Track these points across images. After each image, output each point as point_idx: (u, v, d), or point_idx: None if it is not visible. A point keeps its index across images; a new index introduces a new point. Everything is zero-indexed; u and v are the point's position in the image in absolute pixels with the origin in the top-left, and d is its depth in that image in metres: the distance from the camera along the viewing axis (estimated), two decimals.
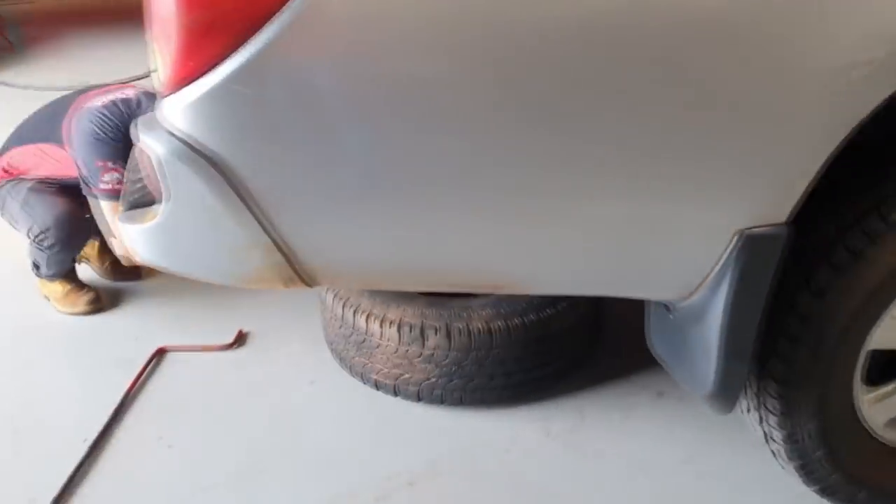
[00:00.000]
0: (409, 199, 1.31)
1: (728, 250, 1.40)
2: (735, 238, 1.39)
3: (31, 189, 2.52)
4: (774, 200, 1.38)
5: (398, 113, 1.23)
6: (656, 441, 2.04)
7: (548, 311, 2.10)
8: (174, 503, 1.91)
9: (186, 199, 1.29)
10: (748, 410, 1.72)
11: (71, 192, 2.51)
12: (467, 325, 2.05)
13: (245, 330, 2.52)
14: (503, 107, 1.26)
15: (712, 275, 1.45)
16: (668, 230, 1.40)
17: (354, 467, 1.99)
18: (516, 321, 2.06)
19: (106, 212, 2.40)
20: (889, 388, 1.67)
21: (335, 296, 2.20)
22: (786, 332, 1.54)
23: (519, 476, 1.96)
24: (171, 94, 1.26)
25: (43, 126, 2.57)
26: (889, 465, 1.72)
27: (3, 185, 2.57)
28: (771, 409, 1.63)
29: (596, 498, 1.89)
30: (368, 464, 2.00)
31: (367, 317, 2.12)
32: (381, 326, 2.10)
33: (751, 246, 1.39)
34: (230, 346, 2.45)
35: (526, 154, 1.31)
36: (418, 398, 2.14)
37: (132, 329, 2.57)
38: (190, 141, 1.25)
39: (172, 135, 1.26)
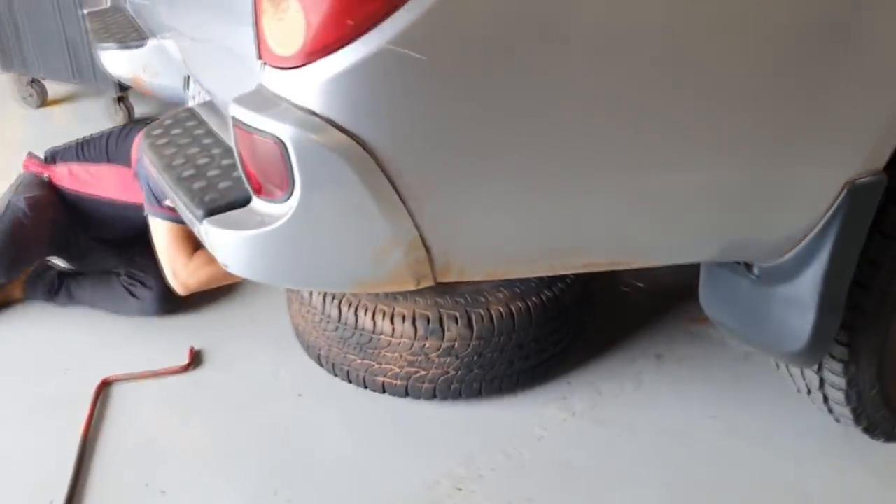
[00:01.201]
0: (566, 182, 1.17)
1: (835, 203, 1.41)
2: (844, 190, 1.39)
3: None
4: (876, 148, 1.40)
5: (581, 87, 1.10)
6: (675, 405, 2.03)
7: (559, 285, 2.02)
8: None
9: (325, 190, 1.06)
10: None
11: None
12: (487, 309, 1.92)
13: (196, 347, 2.20)
14: (659, 81, 1.17)
15: (815, 230, 1.44)
16: (782, 190, 1.38)
17: (390, 478, 1.80)
18: (534, 300, 1.96)
19: (162, 233, 2.15)
20: None
21: (325, 294, 1.98)
22: (857, 278, 1.58)
23: (560, 460, 1.87)
24: (305, 64, 1.02)
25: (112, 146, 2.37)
26: None
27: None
28: (836, 355, 1.67)
29: (643, 471, 1.85)
30: (404, 473, 1.82)
31: (374, 314, 1.92)
32: (391, 322, 1.91)
33: (856, 196, 1.40)
34: (186, 368, 2.13)
35: (658, 127, 1.22)
36: (434, 395, 1.98)
37: (59, 360, 2.16)
38: (335, 118, 1.02)
39: (312, 112, 1.02)
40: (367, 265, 1.12)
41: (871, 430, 1.82)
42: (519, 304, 1.95)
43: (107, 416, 1.97)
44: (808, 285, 1.49)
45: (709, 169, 1.30)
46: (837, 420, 1.84)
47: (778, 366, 1.85)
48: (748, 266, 1.58)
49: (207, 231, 1.16)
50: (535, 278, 2.01)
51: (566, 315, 2.05)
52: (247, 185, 1.15)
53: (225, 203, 1.16)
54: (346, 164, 1.03)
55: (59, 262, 2.41)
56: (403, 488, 1.78)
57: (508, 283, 2.00)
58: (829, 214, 1.42)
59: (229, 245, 1.13)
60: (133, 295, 2.26)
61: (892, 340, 1.69)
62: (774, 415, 2.00)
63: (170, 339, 2.22)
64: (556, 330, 2.03)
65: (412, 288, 1.17)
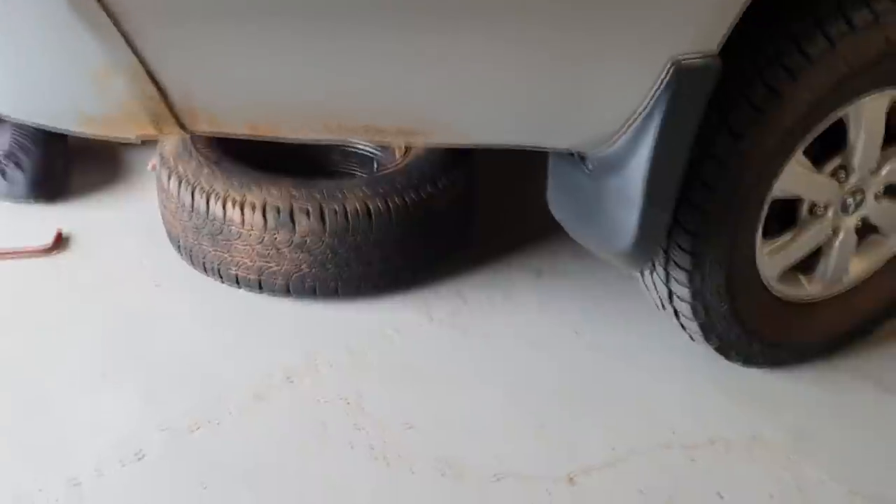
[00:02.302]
0: (305, 23, 1.07)
1: (659, 84, 1.30)
2: (668, 68, 1.29)
3: None
4: (708, 25, 1.29)
5: None
6: (541, 317, 1.96)
7: (428, 188, 1.93)
8: (1, 429, 1.58)
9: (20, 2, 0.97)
10: (651, 270, 1.67)
11: None
12: (343, 205, 1.84)
13: (65, 232, 2.15)
14: None
15: (639, 116, 1.34)
16: (596, 64, 1.27)
17: (223, 368, 1.75)
18: (396, 201, 1.88)
19: None
20: (784, 239, 1.67)
21: (181, 181, 1.91)
22: (701, 177, 1.49)
23: (405, 362, 1.81)
24: None
25: None
26: (779, 316, 1.74)
27: None
28: (680, 263, 1.58)
29: (489, 374, 1.78)
30: (239, 363, 1.76)
31: (224, 202, 1.85)
32: (241, 212, 1.84)
33: (684, 78, 1.30)
34: (49, 250, 2.07)
35: None
36: (287, 291, 1.91)
37: None
38: None
39: None
40: (89, 95, 1.03)
41: (726, 350, 1.73)
42: (378, 203, 1.86)
43: None
44: (633, 177, 1.39)
45: (503, 32, 1.20)
46: (692, 338, 1.75)
47: (640, 278, 1.77)
48: (582, 158, 1.49)
49: None
50: (402, 178, 1.92)
51: (435, 220, 1.96)
52: None
53: None
54: None
55: None
56: (234, 377, 1.72)
57: (371, 182, 1.92)
58: (653, 98, 1.31)
59: None
60: (3, 175, 2.19)
61: (741, 252, 1.59)
62: (643, 334, 1.92)
63: (40, 223, 2.16)
64: (422, 235, 1.95)
65: (154, 132, 1.09)
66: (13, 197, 2.22)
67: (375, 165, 2.26)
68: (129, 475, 1.49)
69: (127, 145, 2.56)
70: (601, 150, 1.41)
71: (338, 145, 2.30)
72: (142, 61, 1.01)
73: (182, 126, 1.11)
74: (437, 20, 1.15)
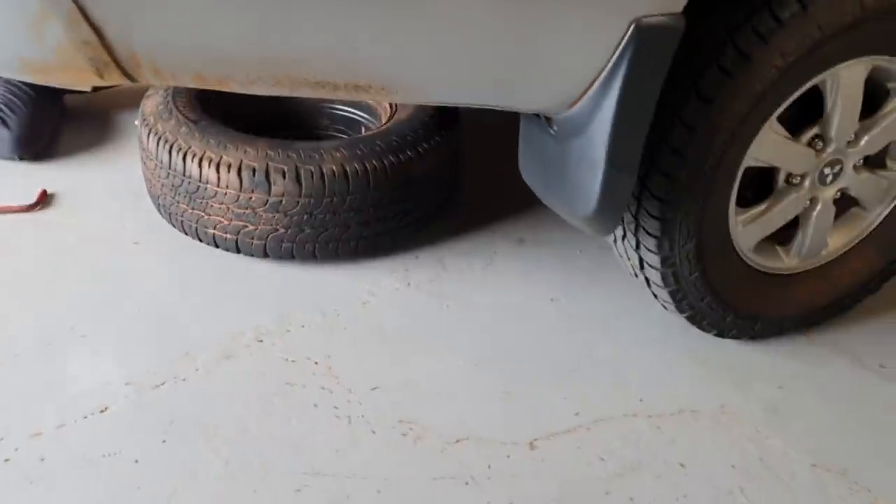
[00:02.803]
0: None
1: (620, 44, 1.28)
2: (630, 28, 1.26)
3: None
4: None
5: None
6: (520, 285, 1.95)
7: (408, 153, 1.92)
8: None
9: None
10: (622, 237, 1.65)
11: None
12: (319, 167, 1.83)
13: (49, 191, 2.16)
14: None
15: (601, 76, 1.32)
16: (557, 22, 1.25)
17: (194, 326, 1.75)
18: (374, 163, 1.87)
19: None
20: (759, 209, 1.64)
21: (159, 139, 1.90)
22: (670, 143, 1.46)
23: (378, 325, 1.80)
24: None
25: None
26: (754, 288, 1.72)
27: None
28: (649, 230, 1.56)
29: (462, 340, 1.78)
30: (210, 322, 1.77)
31: (200, 161, 1.84)
32: (217, 171, 1.83)
33: (646, 38, 1.27)
34: (32, 208, 2.09)
35: None
36: (264, 253, 1.91)
37: None
38: None
39: None
40: (26, 40, 1.03)
41: (698, 321, 1.71)
42: (356, 165, 1.85)
43: None
44: (596, 140, 1.37)
45: None
46: (665, 307, 1.74)
47: (611, 247, 1.75)
48: (548, 121, 1.46)
49: None
50: (381, 142, 1.91)
51: (416, 185, 1.95)
52: None
53: None
54: None
55: None
56: (203, 337, 1.73)
57: (349, 144, 1.90)
58: (614, 57, 1.29)
59: None
60: None
61: (713, 220, 1.57)
62: (620, 304, 1.90)
63: (25, 182, 2.17)
64: (401, 199, 1.94)
65: (96, 78, 1.08)
66: None
67: (363, 129, 2.25)
68: (91, 427, 1.51)
69: (119, 107, 2.57)
70: (564, 112, 1.39)
71: (324, 107, 2.30)
72: (77, 4, 1.01)
73: (126, 74, 1.10)
74: None
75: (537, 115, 1.48)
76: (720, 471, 1.51)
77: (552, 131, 1.46)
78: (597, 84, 1.33)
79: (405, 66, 1.23)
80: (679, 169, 1.47)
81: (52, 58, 1.05)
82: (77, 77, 1.07)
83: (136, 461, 1.45)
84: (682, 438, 1.57)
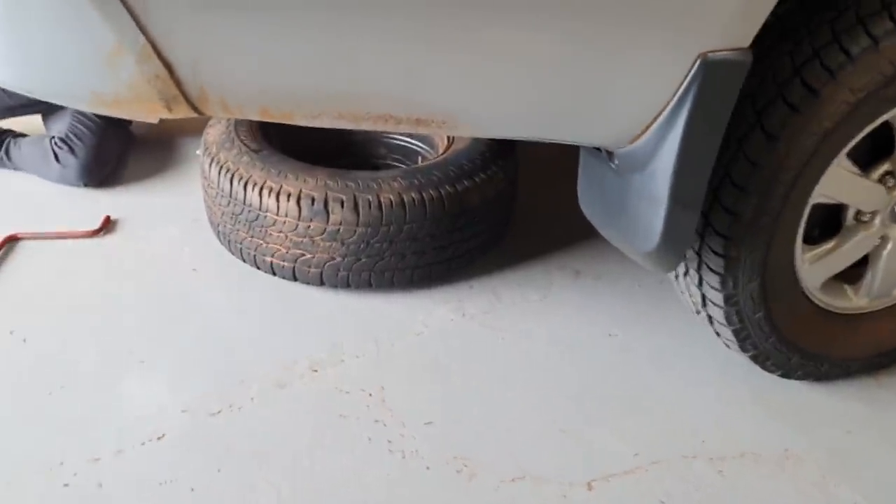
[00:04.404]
0: (318, 8, 1.07)
1: (687, 79, 1.25)
2: (696, 64, 1.24)
3: None
4: (739, 19, 1.23)
5: None
6: (577, 318, 1.92)
7: (465, 183, 1.91)
8: (30, 403, 1.63)
9: None
10: (685, 273, 1.61)
11: None
12: (377, 196, 1.83)
13: (113, 217, 2.21)
14: None
15: (666, 110, 1.29)
16: (622, 58, 1.23)
17: (249, 354, 1.77)
18: (431, 193, 1.87)
19: None
20: (827, 246, 1.60)
21: (221, 168, 1.93)
22: (734, 180, 1.43)
23: (432, 357, 1.79)
24: None
25: None
26: (821, 328, 1.66)
27: None
28: (712, 267, 1.52)
29: (517, 374, 1.75)
30: (265, 350, 1.78)
31: (261, 190, 1.86)
32: (277, 200, 1.85)
33: (712, 74, 1.24)
34: (96, 233, 2.13)
35: None
36: (321, 281, 1.92)
37: None
38: None
39: None
40: (100, 74, 1.05)
41: (762, 360, 1.66)
42: (413, 195, 1.85)
43: (3, 267, 2.00)
44: (659, 175, 1.34)
45: (527, 25, 1.17)
46: (727, 346, 1.69)
47: (673, 283, 1.71)
48: (609, 155, 1.44)
49: None
50: (438, 172, 1.91)
51: (472, 215, 1.94)
52: None
53: None
54: None
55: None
56: (258, 365, 1.73)
57: (407, 174, 1.91)
58: (679, 92, 1.26)
59: None
60: (57, 159, 2.27)
61: (778, 258, 1.52)
62: (679, 340, 1.86)
63: (90, 208, 2.23)
64: (457, 229, 1.93)
65: (164, 111, 1.10)
66: (64, 180, 2.29)
67: (419, 159, 2.26)
68: (148, 454, 1.52)
69: (183, 134, 2.62)
70: (627, 147, 1.37)
71: (382, 137, 2.31)
72: (150, 40, 1.03)
73: (194, 108, 1.12)
74: (460, 9, 1.14)
75: (598, 149, 1.46)
76: None
77: (613, 165, 1.44)
78: (661, 119, 1.30)
79: (468, 101, 1.23)
80: (743, 206, 1.44)
81: (123, 91, 1.06)
82: (146, 110, 1.09)
83: (192, 489, 1.45)
84: (744, 483, 1.52)
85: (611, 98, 1.28)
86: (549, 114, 1.30)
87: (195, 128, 2.60)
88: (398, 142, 2.32)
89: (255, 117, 1.18)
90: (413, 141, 2.30)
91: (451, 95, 1.23)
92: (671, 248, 1.41)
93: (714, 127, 1.31)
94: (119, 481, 1.46)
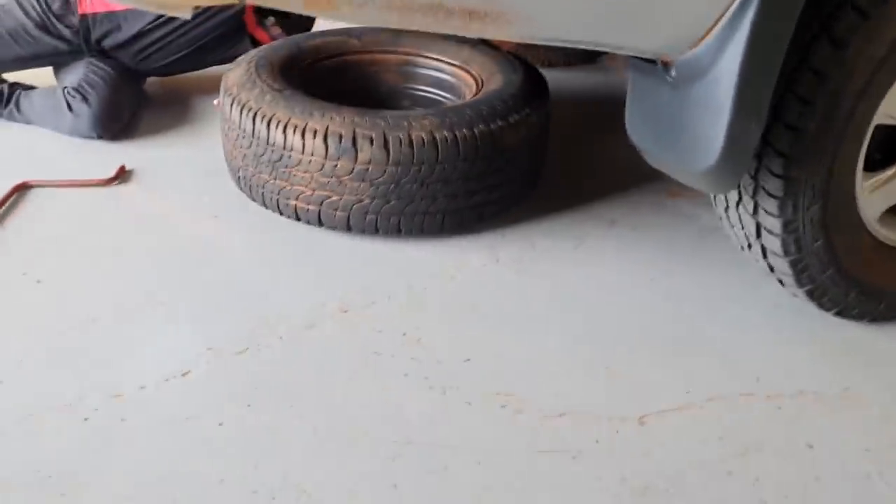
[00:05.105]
0: None
1: None
2: None
3: None
4: None
5: None
6: (615, 265, 1.83)
7: (498, 122, 1.83)
8: (45, 342, 1.54)
9: None
10: (737, 202, 1.53)
11: None
12: (408, 134, 1.75)
13: (128, 167, 2.12)
14: None
15: (729, 12, 1.22)
16: None
17: (274, 297, 1.67)
18: (465, 132, 1.78)
19: None
20: (888, 173, 1.52)
21: (243, 108, 1.85)
22: (797, 92, 1.35)
23: (468, 301, 1.70)
24: None
25: None
26: (881, 264, 1.58)
27: None
28: (771, 191, 1.44)
29: (556, 317, 1.67)
30: (291, 294, 1.69)
31: (285, 128, 1.78)
32: (302, 138, 1.76)
33: None
34: (110, 182, 2.04)
35: None
36: (347, 226, 1.83)
37: None
38: None
39: None
40: None
41: (818, 296, 1.57)
42: (445, 133, 1.77)
43: (15, 213, 1.90)
44: (722, 82, 1.27)
45: None
46: (781, 282, 1.60)
47: (721, 218, 1.63)
48: (666, 67, 1.36)
49: None
50: (470, 111, 1.83)
51: (505, 157, 1.86)
52: None
53: None
54: None
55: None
56: (284, 307, 1.64)
57: (439, 113, 1.83)
58: None
59: None
60: (70, 108, 2.18)
61: (839, 182, 1.44)
62: (724, 286, 1.78)
63: (104, 159, 2.13)
64: (491, 172, 1.85)
65: None
66: (77, 131, 2.20)
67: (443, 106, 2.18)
68: (172, 390, 1.43)
69: (195, 93, 2.54)
70: (687, 53, 1.29)
71: (405, 88, 2.23)
72: None
73: None
74: None
75: (652, 62, 1.38)
76: (852, 454, 1.37)
77: (670, 77, 1.36)
78: (725, 19, 1.23)
79: (536, 6, 1.15)
80: (807, 121, 1.36)
81: None
82: None
83: (221, 424, 1.36)
84: (805, 420, 1.43)
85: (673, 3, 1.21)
86: (607, 14, 1.23)
87: (207, 85, 2.52)
88: (421, 92, 2.23)
89: (299, 6, 1.10)
90: (437, 91, 2.21)
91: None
92: (732, 164, 1.33)
93: (780, 29, 1.24)
94: (142, 416, 1.37)
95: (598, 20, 1.23)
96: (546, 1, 1.18)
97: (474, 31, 1.19)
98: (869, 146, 1.46)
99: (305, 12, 1.11)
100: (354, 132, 1.75)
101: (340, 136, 1.75)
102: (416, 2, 1.12)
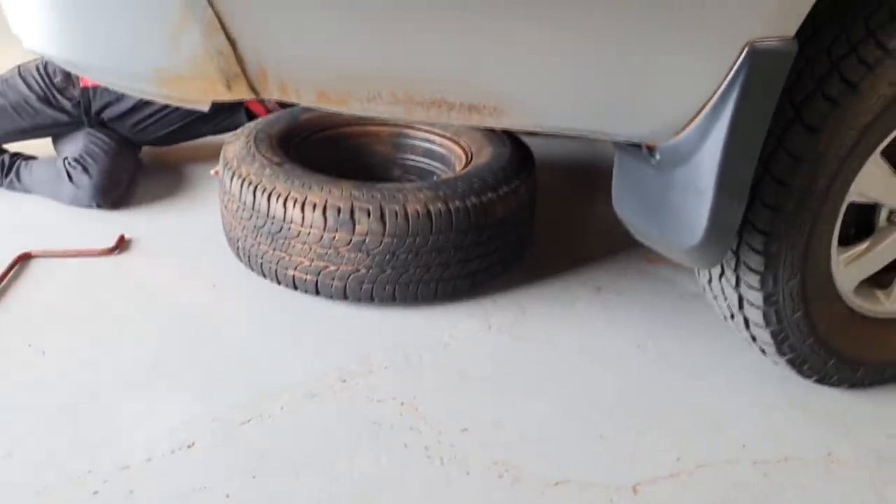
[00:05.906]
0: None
1: (734, 68, 1.27)
2: (743, 52, 1.25)
3: None
4: (786, 7, 1.26)
5: None
6: (604, 330, 1.90)
7: (489, 195, 1.91)
8: (53, 414, 1.57)
9: None
10: (720, 275, 1.60)
11: None
12: (404, 206, 1.82)
13: (127, 237, 2.17)
14: None
15: (711, 102, 1.31)
16: (668, 47, 1.25)
17: (275, 367, 1.72)
18: (457, 204, 1.86)
19: None
20: (861, 247, 1.60)
21: (243, 181, 1.91)
22: (775, 174, 1.43)
23: (462, 368, 1.76)
24: None
25: None
26: (857, 333, 1.66)
27: None
28: (751, 266, 1.51)
29: (549, 383, 1.72)
30: (291, 363, 1.73)
31: (285, 201, 1.84)
32: (301, 211, 1.83)
33: (759, 62, 1.26)
34: (111, 251, 2.09)
35: None
36: (344, 295, 1.89)
37: None
38: None
39: None
40: (163, 49, 1.04)
41: (798, 364, 1.64)
42: (439, 205, 1.84)
43: (17, 284, 1.95)
44: (705, 166, 1.35)
45: (577, 15, 1.18)
46: (763, 351, 1.67)
47: (704, 289, 1.71)
48: (650, 150, 1.45)
49: None
50: (462, 184, 1.91)
51: (495, 227, 1.93)
52: None
53: None
54: None
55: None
56: (285, 377, 1.69)
57: (433, 185, 1.90)
58: (726, 82, 1.28)
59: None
60: (71, 179, 2.24)
61: (816, 257, 1.52)
62: (708, 352, 1.84)
63: (103, 228, 2.18)
64: (482, 241, 1.92)
65: (223, 91, 1.08)
66: (78, 201, 2.25)
67: (436, 179, 2.25)
68: (179, 462, 1.46)
69: (189, 162, 2.60)
70: (671, 139, 1.37)
71: (397, 158, 2.31)
72: (217, 13, 1.02)
73: (252, 88, 1.11)
74: (518, 17, 1.16)
75: (637, 147, 1.47)
76: None
77: (654, 161, 1.44)
78: (706, 109, 1.31)
79: (522, 91, 1.23)
80: (784, 201, 1.44)
81: (185, 68, 1.05)
82: (205, 89, 1.08)
83: (227, 496, 1.40)
84: (792, 485, 1.49)
85: (658, 88, 1.29)
86: (599, 106, 1.31)
87: (202, 153, 2.59)
88: (414, 163, 2.32)
89: (312, 101, 1.17)
90: (428, 161, 2.30)
91: (503, 81, 1.23)
92: (716, 242, 1.40)
93: (760, 116, 1.32)
94: (151, 488, 1.40)
95: (585, 111, 1.30)
96: (537, 96, 1.26)
97: (474, 122, 1.27)
98: (843, 222, 1.55)
99: (316, 105, 1.18)
100: (352, 205, 1.82)
101: (339, 209, 1.82)
102: (420, 97, 1.20)
